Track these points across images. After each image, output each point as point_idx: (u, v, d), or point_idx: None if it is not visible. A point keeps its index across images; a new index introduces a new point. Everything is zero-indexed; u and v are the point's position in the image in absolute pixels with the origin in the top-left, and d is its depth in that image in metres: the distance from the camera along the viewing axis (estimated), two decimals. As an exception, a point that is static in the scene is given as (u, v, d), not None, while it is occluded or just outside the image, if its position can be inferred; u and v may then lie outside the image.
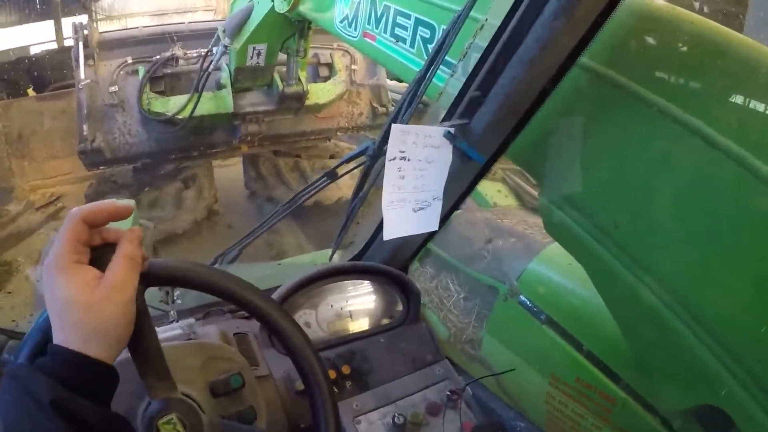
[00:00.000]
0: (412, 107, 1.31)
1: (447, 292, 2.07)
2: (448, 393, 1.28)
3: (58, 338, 0.70)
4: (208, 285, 0.92)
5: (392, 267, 1.48)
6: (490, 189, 3.55)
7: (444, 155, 1.17)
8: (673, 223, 1.08)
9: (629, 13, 1.09)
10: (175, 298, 1.37)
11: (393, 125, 1.09)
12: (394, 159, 1.10)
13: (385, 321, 1.46)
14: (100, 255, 0.75)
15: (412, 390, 1.29)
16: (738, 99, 1.01)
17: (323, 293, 1.42)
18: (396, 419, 1.20)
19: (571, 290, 1.65)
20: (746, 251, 0.98)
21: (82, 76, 4.37)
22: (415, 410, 1.24)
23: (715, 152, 0.98)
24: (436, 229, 1.24)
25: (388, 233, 1.16)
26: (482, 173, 1.35)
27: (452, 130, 1.16)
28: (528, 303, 1.75)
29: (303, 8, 2.91)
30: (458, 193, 1.38)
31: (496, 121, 1.18)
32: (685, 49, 1.09)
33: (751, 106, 1.00)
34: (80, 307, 0.69)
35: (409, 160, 1.11)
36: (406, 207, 1.15)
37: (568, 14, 1.02)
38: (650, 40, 1.12)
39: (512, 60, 1.11)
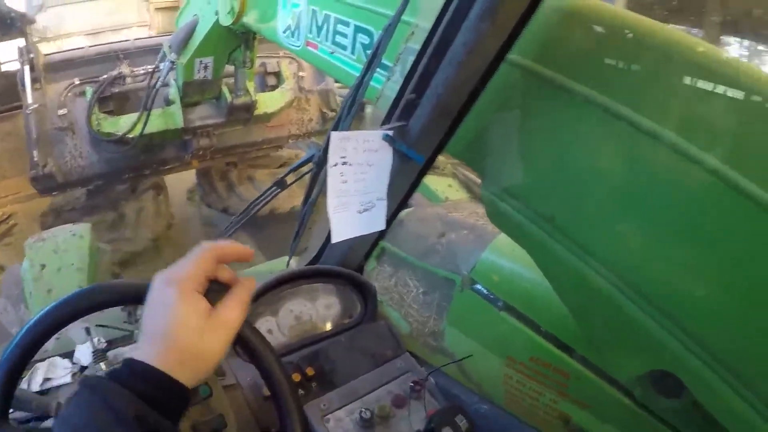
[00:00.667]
0: (351, 113, 1.36)
1: (406, 288, 2.10)
2: (411, 384, 1.32)
3: (146, 351, 0.72)
4: None
5: (347, 268, 1.52)
6: (440, 184, 3.61)
7: (384, 157, 1.22)
8: (610, 205, 1.14)
9: (552, 10, 1.16)
10: (137, 317, 1.39)
11: (332, 133, 1.13)
12: (336, 165, 1.14)
13: (345, 321, 1.50)
14: (213, 290, 0.80)
15: (377, 385, 1.33)
16: (658, 83, 1.08)
17: (282, 300, 1.45)
18: (363, 414, 1.24)
19: (523, 275, 1.70)
20: (680, 226, 1.05)
21: (30, 100, 4.24)
22: (380, 404, 1.27)
23: (642, 135, 1.04)
24: (384, 228, 1.28)
25: (336, 236, 1.20)
26: (423, 171, 1.41)
27: (391, 132, 1.21)
28: (484, 291, 1.80)
29: (247, 20, 2.91)
30: (403, 192, 1.43)
31: (432, 121, 1.24)
32: (605, 40, 1.15)
33: (671, 88, 1.07)
34: (190, 332, 0.73)
35: (350, 164, 1.16)
36: (350, 210, 1.20)
37: (493, 17, 1.08)
38: (573, 34, 1.18)
39: (443, 62, 1.16)
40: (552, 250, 1.22)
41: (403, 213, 2.19)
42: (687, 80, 1.06)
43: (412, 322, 2.03)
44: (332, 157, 1.14)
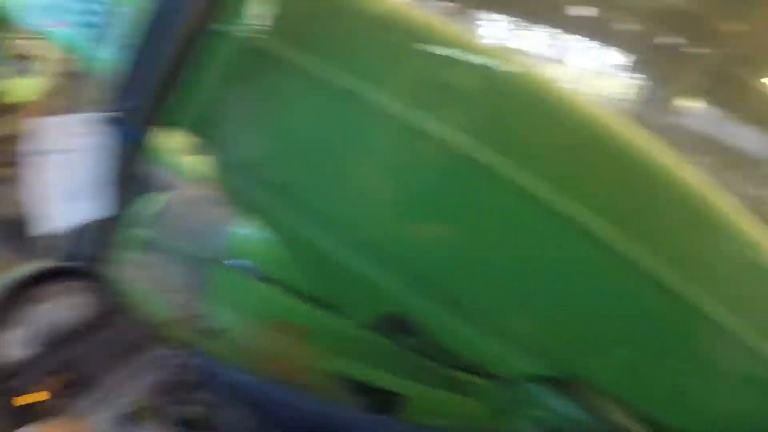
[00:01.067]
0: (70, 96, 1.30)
1: (167, 274, 2.05)
2: (172, 370, 1.31)
3: None
4: None
5: (90, 263, 1.44)
6: (196, 164, 3.54)
7: (98, 140, 1.18)
8: (336, 172, 1.22)
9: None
10: None
11: (35, 120, 1.07)
12: (45, 154, 1.08)
13: (93, 319, 1.43)
14: None
15: (135, 377, 1.30)
16: (381, 53, 1.15)
17: (27, 307, 1.35)
18: (125, 409, 1.20)
19: (273, 242, 1.74)
20: (402, 184, 1.14)
21: None
22: (141, 395, 1.25)
23: (366, 106, 1.11)
24: (110, 214, 1.25)
25: (51, 227, 1.19)
26: (144, 150, 1.37)
27: (108, 113, 1.17)
28: (240, 264, 1.81)
29: (-9, 1, 2.60)
30: (127, 173, 1.37)
31: (148, 98, 1.21)
32: (328, 12, 1.20)
33: (395, 58, 1.14)
34: None
35: (60, 151, 1.10)
36: (64, 199, 1.15)
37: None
38: (295, 6, 1.22)
39: (154, 37, 1.16)
40: (282, 218, 1.28)
41: (161, 197, 2.12)
42: (413, 50, 1.14)
43: (176, 307, 1.99)
44: (41, 146, 1.08)
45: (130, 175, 1.36)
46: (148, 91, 1.20)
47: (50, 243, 1.53)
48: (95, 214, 1.22)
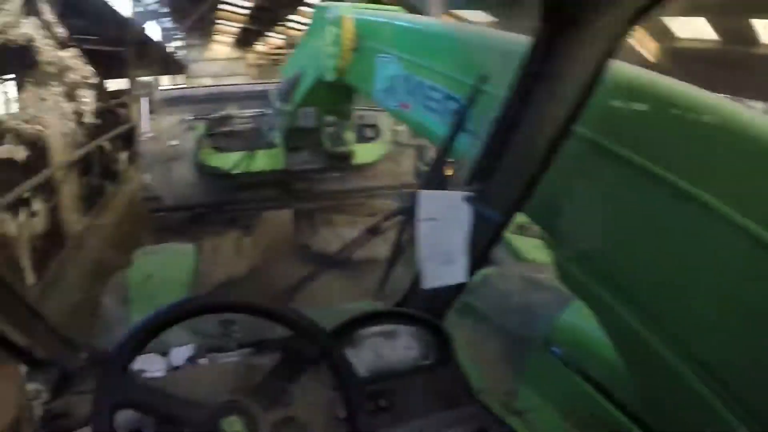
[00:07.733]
0: (438, 174, 1.49)
1: (484, 345, 2.11)
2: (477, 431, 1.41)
3: None
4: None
5: (427, 314, 1.61)
6: (527, 244, 3.60)
7: (465, 215, 1.36)
8: (677, 278, 1.19)
9: (614, 86, 1.25)
10: (230, 330, 1.57)
11: (421, 192, 1.27)
12: (423, 220, 1.28)
13: (420, 362, 1.60)
14: None
15: (443, 426, 1.42)
16: (719, 160, 1.11)
17: (364, 335, 1.58)
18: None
19: (599, 338, 1.70)
20: (743, 302, 1.07)
21: (146, 128, 4.83)
22: None
23: (707, 213, 1.08)
24: (464, 281, 1.41)
25: (426, 283, 1.36)
26: (499, 231, 1.52)
27: (471, 193, 1.36)
28: (560, 353, 1.81)
29: (348, 78, 3.10)
30: (482, 248, 1.52)
31: (507, 185, 1.39)
32: (664, 113, 1.21)
33: (731, 164, 1.10)
34: None
35: (435, 220, 1.29)
36: (437, 260, 1.35)
37: (557, 91, 1.24)
38: (632, 107, 1.27)
39: (515, 132, 1.33)
40: (619, 315, 1.27)
41: (488, 271, 2.23)
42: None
43: (486, 377, 2.03)
44: (420, 213, 1.27)
45: (484, 249, 1.51)
46: (504, 179, 1.38)
47: (398, 292, 1.75)
48: (454, 278, 1.39)
